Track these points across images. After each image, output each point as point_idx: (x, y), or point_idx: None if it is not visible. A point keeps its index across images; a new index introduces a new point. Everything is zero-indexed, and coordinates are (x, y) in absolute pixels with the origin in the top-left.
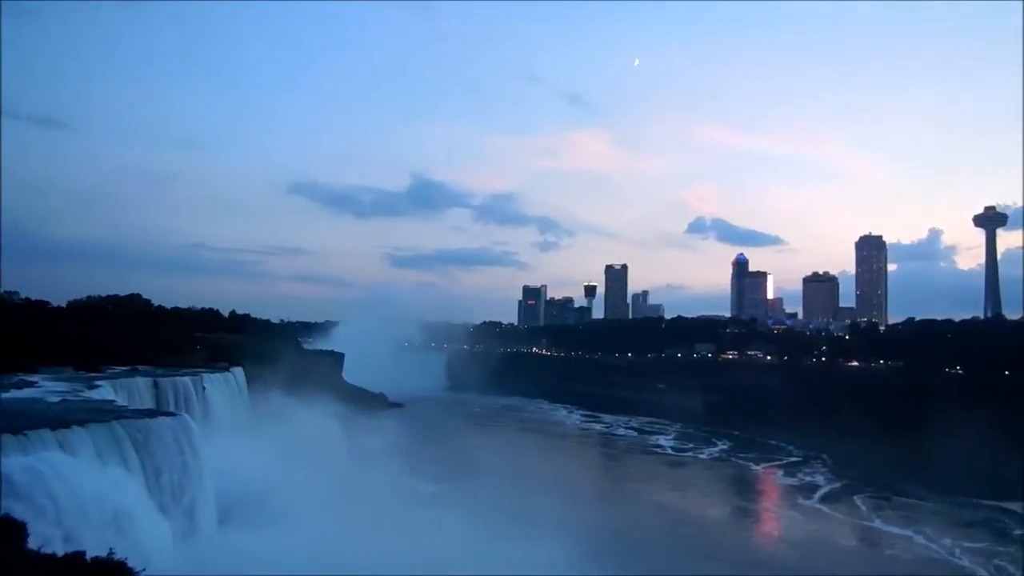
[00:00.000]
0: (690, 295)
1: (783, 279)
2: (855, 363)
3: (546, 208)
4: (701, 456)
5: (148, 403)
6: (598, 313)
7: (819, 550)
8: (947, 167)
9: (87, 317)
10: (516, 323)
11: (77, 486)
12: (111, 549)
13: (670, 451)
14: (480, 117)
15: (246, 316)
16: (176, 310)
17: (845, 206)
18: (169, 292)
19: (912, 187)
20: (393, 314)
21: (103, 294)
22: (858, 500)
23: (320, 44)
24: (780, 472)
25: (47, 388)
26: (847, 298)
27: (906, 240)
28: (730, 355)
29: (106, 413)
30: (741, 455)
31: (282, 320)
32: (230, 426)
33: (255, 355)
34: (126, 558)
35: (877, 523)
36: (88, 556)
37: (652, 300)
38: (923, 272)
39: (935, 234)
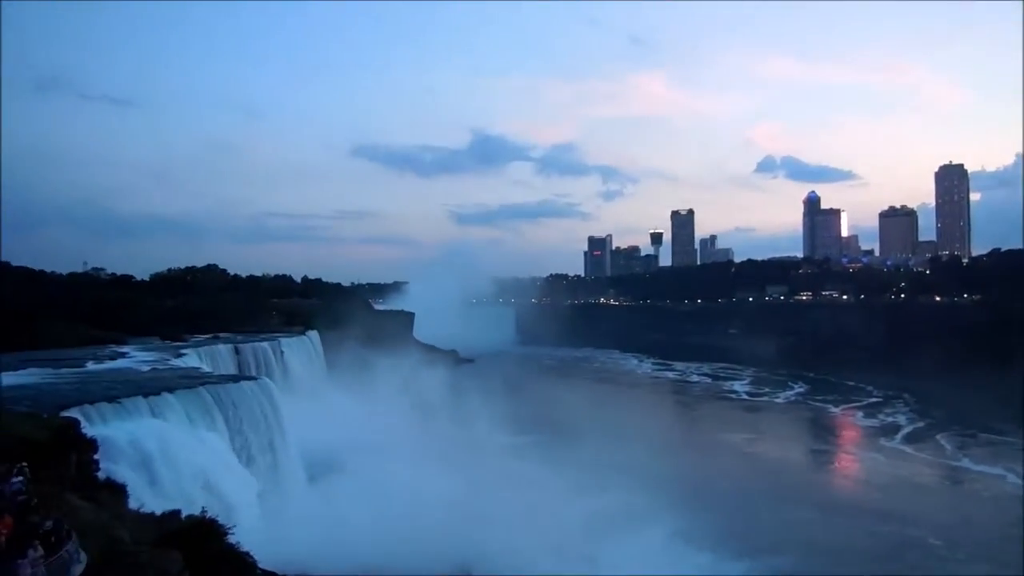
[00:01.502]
0: (760, 237)
1: (858, 216)
2: (937, 299)
3: (607, 156)
4: (777, 400)
5: (231, 368)
6: (665, 260)
7: (905, 492)
8: None
9: (169, 289)
10: (583, 274)
11: (170, 449)
12: (203, 508)
13: (745, 396)
14: (537, 66)
15: (317, 280)
16: (251, 278)
17: (923, 135)
18: (242, 260)
19: (996, 111)
20: (460, 271)
21: (182, 266)
22: (943, 439)
23: (367, 4)
24: (860, 414)
25: (137, 358)
26: (927, 232)
27: (991, 167)
28: (803, 297)
29: (193, 379)
30: (818, 398)
31: (352, 283)
32: (309, 387)
33: (328, 318)
34: (217, 516)
35: (965, 462)
36: (183, 515)
37: (721, 244)
38: (1010, 200)
39: (1022, 159)
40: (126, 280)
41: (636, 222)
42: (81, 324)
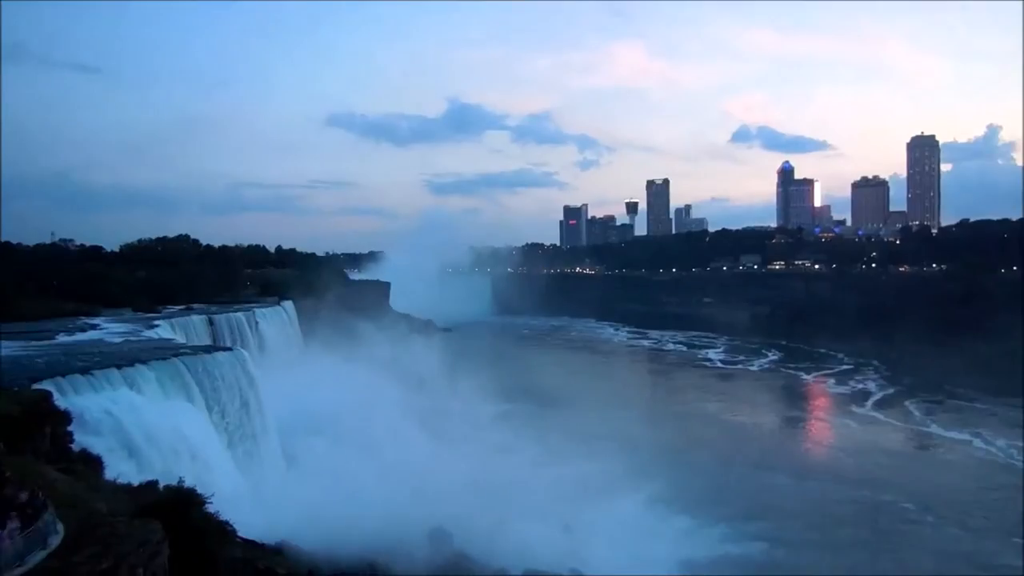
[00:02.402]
0: (735, 207)
1: (831, 185)
2: (907, 268)
3: (584, 126)
4: (751, 368)
5: (205, 340)
6: (641, 230)
7: (876, 457)
8: (1007, 59)
9: (140, 260)
10: (559, 244)
11: (145, 420)
12: (180, 478)
13: (719, 364)
14: (514, 35)
15: (292, 251)
16: (224, 248)
17: (896, 106)
18: (216, 231)
19: (969, 83)
20: (436, 241)
21: (153, 237)
22: (911, 406)
23: None
24: (831, 381)
25: (109, 330)
26: (898, 202)
27: (962, 139)
28: (777, 266)
29: (166, 350)
30: (791, 365)
31: (327, 253)
32: (285, 357)
33: (303, 288)
34: (195, 486)
35: (933, 428)
36: (160, 485)
37: (696, 214)
38: (980, 171)
39: (993, 131)
40: (95, 252)
41: (612, 192)
42: (50, 297)
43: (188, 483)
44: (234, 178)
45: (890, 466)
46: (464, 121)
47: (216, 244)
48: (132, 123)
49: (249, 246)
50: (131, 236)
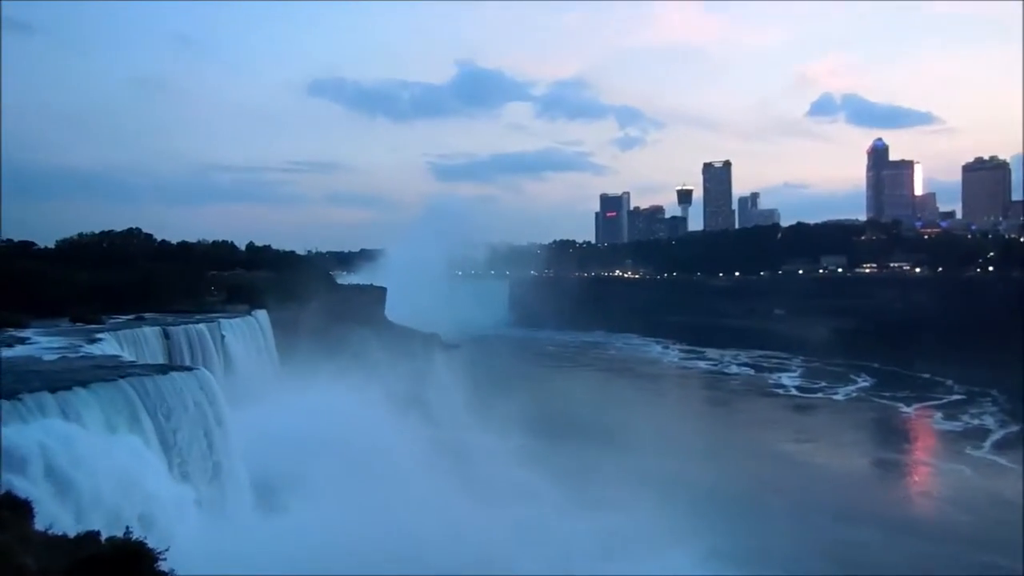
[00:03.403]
0: (813, 196)
1: (936, 168)
2: None
3: (626, 96)
4: (834, 397)
5: (159, 357)
6: (696, 224)
7: (997, 512)
8: None
9: (81, 259)
10: (594, 241)
11: (85, 456)
12: (127, 528)
13: (794, 392)
14: None
15: (266, 248)
16: (184, 245)
17: (1018, 72)
18: (174, 224)
19: None
20: (443, 237)
21: (96, 231)
22: None
23: None
24: (937, 414)
25: (41, 344)
26: (1021, 189)
27: None
28: (867, 269)
29: (111, 370)
30: (885, 394)
31: (310, 251)
32: (257, 379)
33: (280, 294)
34: (145, 538)
35: None
36: (102, 536)
37: (764, 204)
38: None
39: None
40: (25, 248)
41: (660, 177)
42: None
43: (137, 534)
44: (197, 159)
45: (1017, 524)
46: (478, 90)
47: (174, 240)
48: (73, 92)
49: (215, 242)
50: (70, 229)
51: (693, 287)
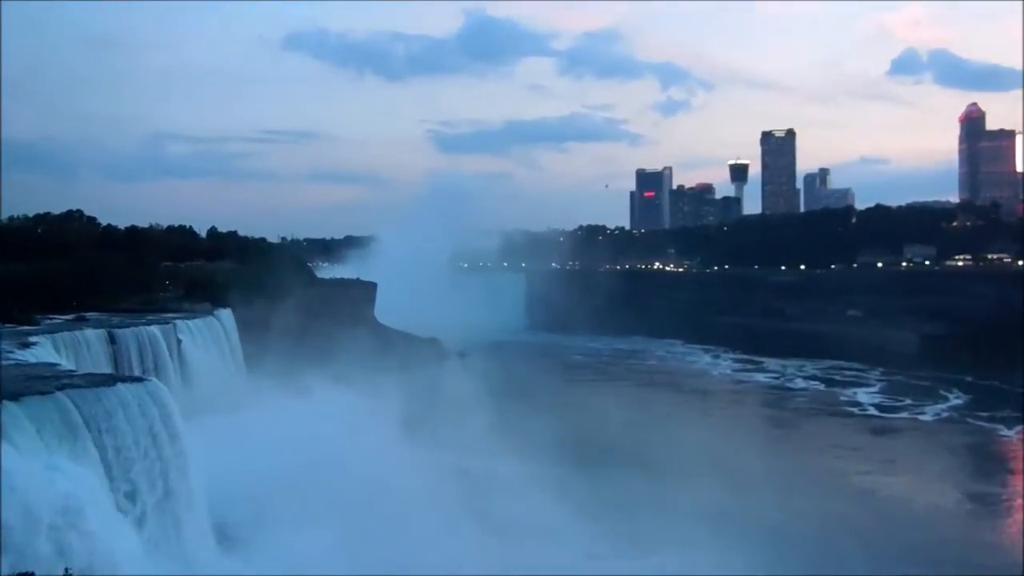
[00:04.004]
0: (895, 172)
1: None
2: None
3: (669, 51)
4: (921, 417)
5: (103, 365)
6: (752, 206)
7: None
8: None
9: (12, 247)
10: (628, 226)
11: (15, 483)
12: (67, 569)
13: (873, 411)
14: None
15: (232, 234)
16: (134, 231)
17: None
18: (124, 206)
19: None
20: (446, 222)
21: (30, 213)
22: None
23: None
24: None
25: None
26: None
27: None
28: (959, 261)
29: (47, 381)
30: (982, 413)
31: (284, 238)
32: (219, 392)
33: (248, 290)
34: None
35: None
36: None
37: (836, 183)
38: None
39: None
40: None
41: (709, 149)
42: None
43: (76, 573)
44: (150, 128)
45: None
46: (489, 43)
47: (122, 224)
48: (8, 51)
49: (170, 227)
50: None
51: (749, 283)
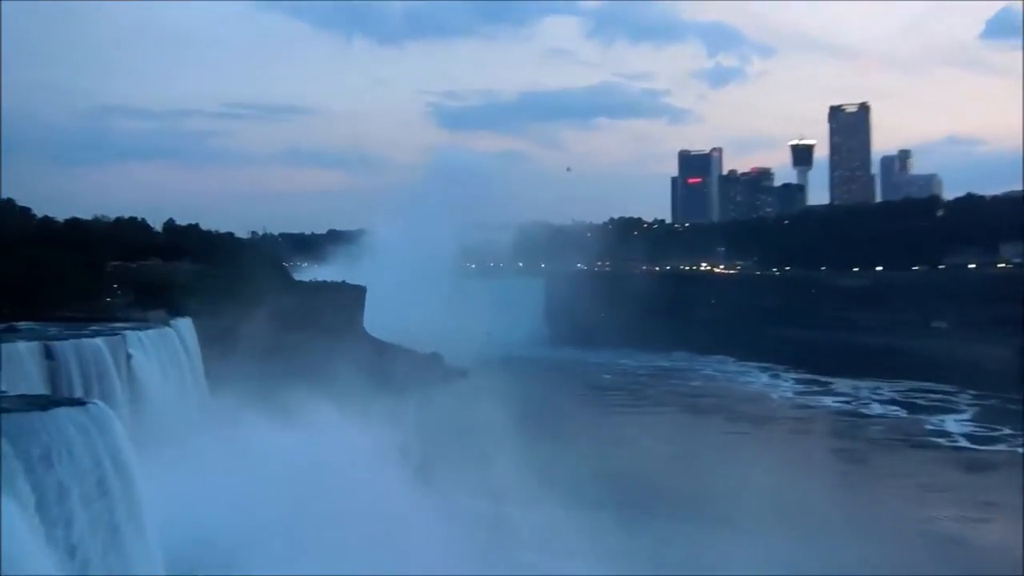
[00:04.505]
0: (990, 155)
1: None
2: None
3: (718, 9)
4: (1022, 450)
5: (38, 386)
6: (818, 195)
7: None
8: None
9: None
10: (670, 219)
11: None
12: None
13: (964, 441)
14: None
15: (193, 229)
16: (75, 224)
17: None
18: (62, 193)
19: None
20: (449, 214)
21: None
22: None
23: None
24: None
25: None
26: None
27: None
28: None
29: None
30: None
31: (256, 232)
32: (177, 416)
33: (213, 296)
34: None
35: None
36: None
37: (919, 167)
38: None
39: None
40: None
41: (767, 126)
42: None
43: None
44: (96, 100)
45: None
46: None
47: (61, 216)
48: None
49: (120, 220)
50: None
51: (814, 288)
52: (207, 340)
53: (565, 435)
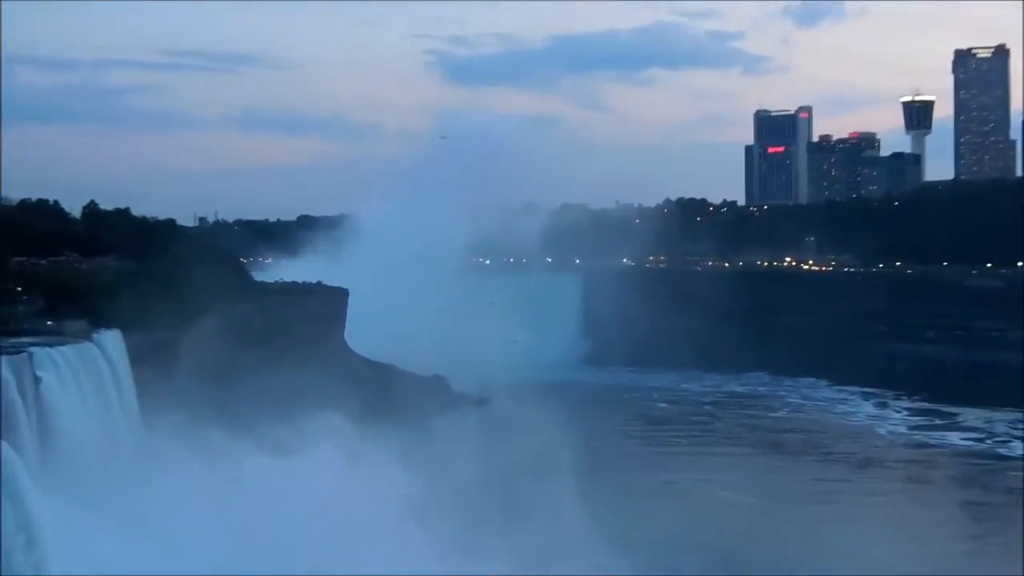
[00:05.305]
0: None
1: None
2: None
3: None
4: None
5: None
6: (939, 168)
7: None
8: None
9: None
10: (743, 201)
11: None
12: None
13: None
14: None
15: (122, 215)
16: None
17: None
18: None
19: None
20: (454, 194)
21: None
22: None
23: None
24: None
25: None
26: None
27: None
28: None
29: None
30: None
31: (206, 220)
32: (99, 459)
33: (148, 302)
34: None
35: None
36: None
37: None
38: None
39: None
40: None
41: (869, 79)
42: None
43: None
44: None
45: None
46: None
47: None
48: None
49: (25, 203)
50: None
51: (934, 289)
52: (140, 358)
53: (617, 483)
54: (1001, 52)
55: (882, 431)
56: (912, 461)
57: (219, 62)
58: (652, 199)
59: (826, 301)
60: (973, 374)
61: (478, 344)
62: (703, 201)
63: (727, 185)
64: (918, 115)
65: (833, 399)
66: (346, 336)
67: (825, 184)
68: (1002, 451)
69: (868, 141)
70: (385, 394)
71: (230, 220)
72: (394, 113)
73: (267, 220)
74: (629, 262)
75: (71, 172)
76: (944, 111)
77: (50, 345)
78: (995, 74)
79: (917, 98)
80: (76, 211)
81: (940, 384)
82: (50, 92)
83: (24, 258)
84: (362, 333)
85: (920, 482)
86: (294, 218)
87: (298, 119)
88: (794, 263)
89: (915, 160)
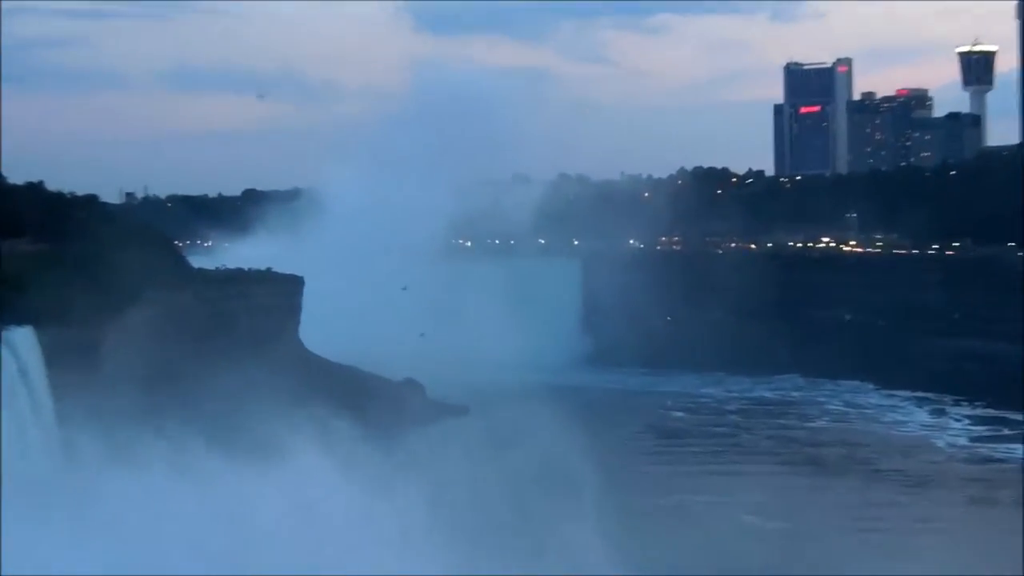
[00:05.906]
0: None
1: None
2: None
3: None
4: None
5: None
6: (1003, 129)
7: None
8: None
9: None
10: (772, 171)
11: None
12: None
13: None
14: None
15: (34, 190)
16: None
17: None
18: None
19: None
20: (430, 163)
21: None
22: None
23: None
24: None
25: None
26: None
27: None
28: None
29: None
30: None
31: (133, 195)
32: (6, 478)
33: (67, 292)
34: None
35: None
36: None
37: None
38: None
39: None
40: None
41: (919, 26)
42: None
43: None
44: None
45: None
46: None
47: None
48: None
49: None
50: None
51: (1001, 275)
52: (57, 359)
53: (629, 507)
54: None
55: (940, 443)
56: (975, 479)
57: (147, 8)
58: (664, 169)
59: (871, 290)
60: None
61: (459, 342)
62: (724, 171)
63: (753, 152)
64: (978, 68)
65: (881, 406)
66: (302, 331)
67: (869, 150)
68: None
69: (919, 99)
70: (350, 400)
71: (163, 196)
72: (357, 68)
73: (207, 195)
74: (637, 244)
75: None
76: (1008, 63)
77: None
78: None
79: (976, 48)
80: None
81: (1007, 388)
82: None
83: None
84: (320, 329)
85: (985, 504)
86: (239, 193)
87: (242, 76)
88: (832, 244)
89: (974, 121)
